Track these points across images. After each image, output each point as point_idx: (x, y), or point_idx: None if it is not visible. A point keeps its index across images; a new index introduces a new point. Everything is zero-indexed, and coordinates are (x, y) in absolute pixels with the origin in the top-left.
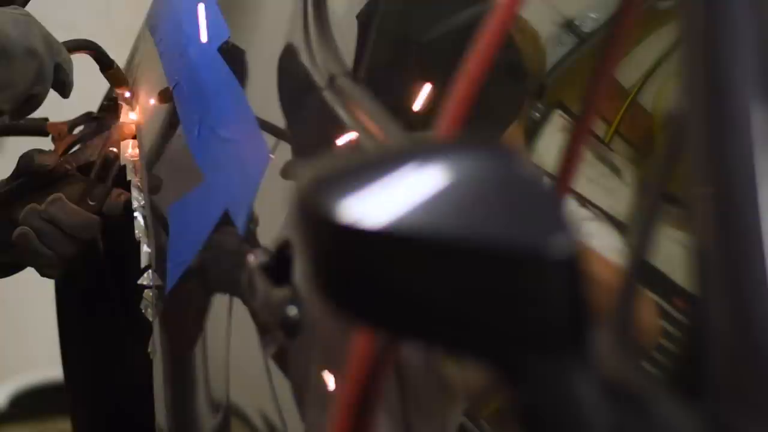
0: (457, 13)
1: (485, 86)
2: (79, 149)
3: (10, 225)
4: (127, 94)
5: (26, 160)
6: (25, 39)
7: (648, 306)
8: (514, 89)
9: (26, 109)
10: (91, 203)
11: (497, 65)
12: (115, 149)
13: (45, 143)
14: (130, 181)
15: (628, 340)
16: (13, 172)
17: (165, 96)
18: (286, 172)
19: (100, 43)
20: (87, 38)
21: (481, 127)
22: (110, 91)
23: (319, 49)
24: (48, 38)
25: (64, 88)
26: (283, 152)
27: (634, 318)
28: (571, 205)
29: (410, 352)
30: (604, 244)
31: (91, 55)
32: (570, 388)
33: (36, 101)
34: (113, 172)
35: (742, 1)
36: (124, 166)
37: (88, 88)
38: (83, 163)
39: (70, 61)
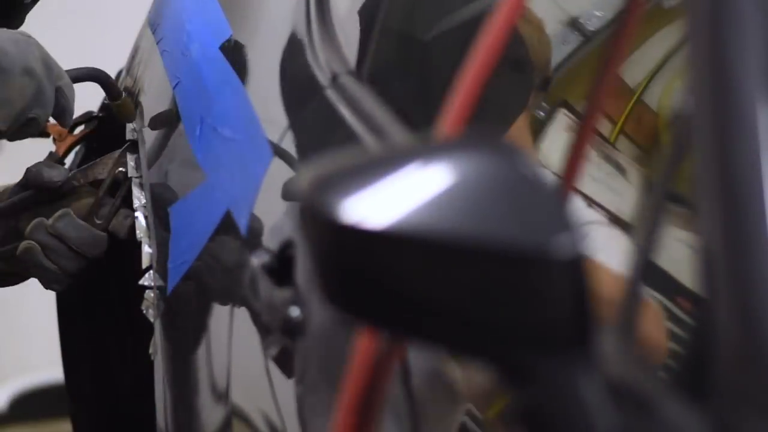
0: (462, 10)
1: (491, 79)
2: (88, 166)
3: (16, 236)
4: (132, 126)
5: (35, 175)
6: (23, 58)
7: (655, 316)
8: (520, 82)
9: (25, 132)
10: (98, 221)
11: (503, 58)
12: (123, 169)
13: (46, 144)
14: (131, 178)
15: (633, 340)
16: (20, 183)
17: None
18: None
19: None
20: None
21: (487, 121)
22: None
23: (322, 47)
24: (48, 61)
25: (63, 115)
26: (286, 153)
27: (638, 319)
28: (576, 205)
29: (413, 352)
30: (608, 247)
31: (100, 85)
32: (574, 389)
33: (35, 124)
34: (122, 192)
35: None
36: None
37: (89, 87)
38: (92, 180)
39: (71, 88)
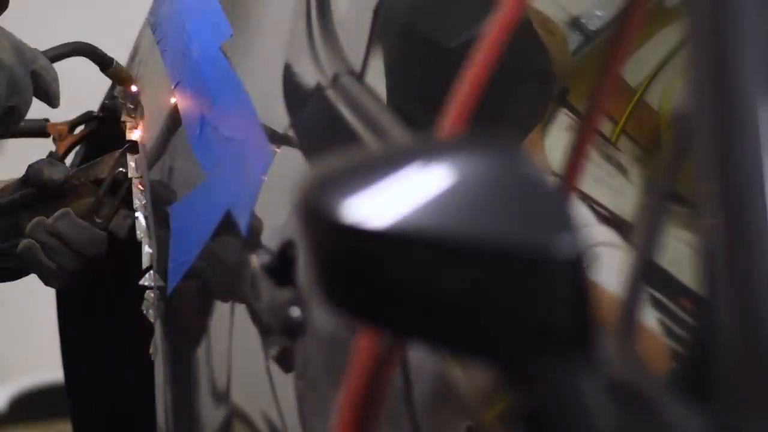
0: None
1: (512, 90)
2: (89, 165)
3: (16, 233)
4: (134, 89)
5: (35, 172)
6: None
7: (652, 340)
8: (541, 93)
9: (8, 122)
10: (98, 220)
11: (526, 69)
12: (124, 169)
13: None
14: (131, 179)
15: (634, 341)
16: (21, 180)
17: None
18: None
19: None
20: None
21: (505, 131)
22: (111, 89)
23: (323, 47)
24: (19, 47)
25: (49, 97)
26: (286, 153)
27: (639, 321)
28: (577, 205)
29: (415, 354)
30: (608, 249)
31: (87, 57)
32: (576, 389)
33: (17, 114)
34: (123, 191)
35: None
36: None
37: (89, 87)
38: (92, 179)
39: (50, 68)
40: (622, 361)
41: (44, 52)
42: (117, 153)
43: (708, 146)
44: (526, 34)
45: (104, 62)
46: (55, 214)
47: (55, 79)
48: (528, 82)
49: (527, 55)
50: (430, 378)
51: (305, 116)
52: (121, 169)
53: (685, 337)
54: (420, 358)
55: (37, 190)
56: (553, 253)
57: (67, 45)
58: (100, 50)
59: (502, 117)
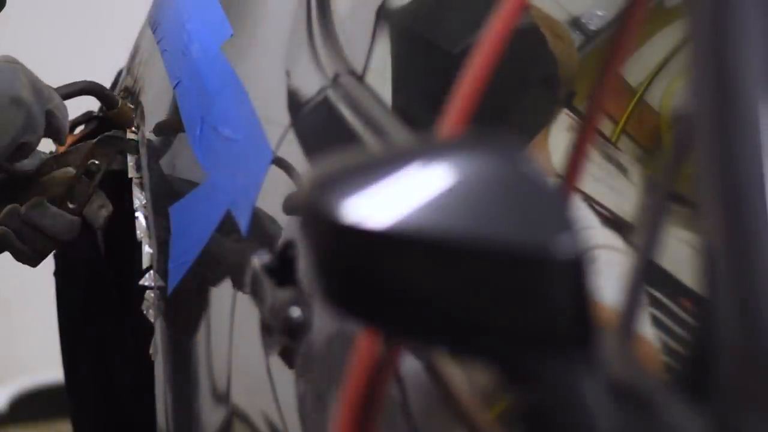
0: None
1: (520, 95)
2: (62, 153)
3: None
4: (133, 131)
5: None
6: (10, 87)
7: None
8: (547, 98)
9: (17, 157)
10: (71, 206)
11: (533, 74)
12: (97, 161)
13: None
14: (131, 179)
15: (634, 341)
16: None
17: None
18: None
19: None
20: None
21: (512, 134)
22: (111, 89)
23: (323, 46)
24: (36, 84)
25: (57, 135)
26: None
27: (639, 321)
28: (578, 206)
29: (415, 359)
30: (609, 248)
31: (95, 97)
32: (576, 389)
33: (27, 148)
34: (95, 182)
35: None
36: (108, 174)
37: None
38: (64, 166)
39: (63, 107)
40: (622, 361)
41: (54, 90)
42: (91, 143)
43: (708, 146)
44: (533, 39)
45: (111, 102)
46: (28, 203)
47: (66, 117)
48: (535, 87)
49: (535, 60)
50: (429, 378)
51: (305, 116)
52: (93, 160)
53: (685, 337)
54: (419, 358)
55: (8, 176)
56: (552, 253)
57: (77, 83)
58: (108, 90)
59: (510, 121)
